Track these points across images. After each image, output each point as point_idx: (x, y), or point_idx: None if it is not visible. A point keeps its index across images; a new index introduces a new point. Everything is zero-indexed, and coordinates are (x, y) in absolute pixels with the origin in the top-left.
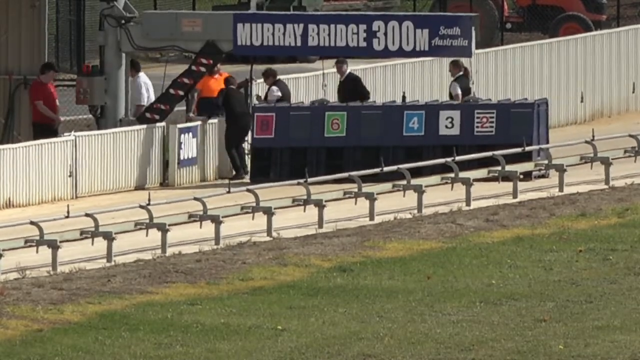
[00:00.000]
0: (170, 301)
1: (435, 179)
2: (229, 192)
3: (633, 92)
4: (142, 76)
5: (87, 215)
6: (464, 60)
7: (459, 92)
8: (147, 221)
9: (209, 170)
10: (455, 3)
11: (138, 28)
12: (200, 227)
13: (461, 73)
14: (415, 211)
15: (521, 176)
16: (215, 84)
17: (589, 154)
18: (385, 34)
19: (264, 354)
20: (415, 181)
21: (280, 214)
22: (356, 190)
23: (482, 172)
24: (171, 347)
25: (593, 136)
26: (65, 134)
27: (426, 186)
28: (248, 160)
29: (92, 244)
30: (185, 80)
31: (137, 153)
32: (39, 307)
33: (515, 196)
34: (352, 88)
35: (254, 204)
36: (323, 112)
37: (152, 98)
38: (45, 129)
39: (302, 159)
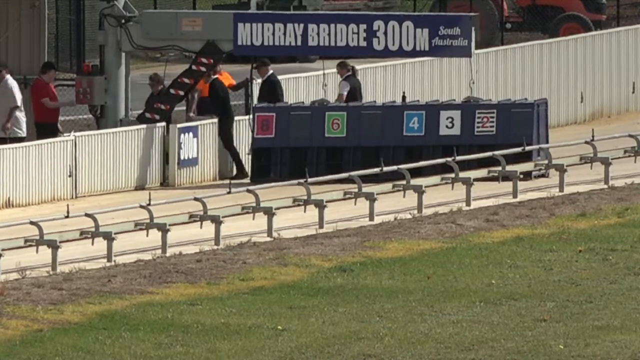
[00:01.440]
0: (170, 301)
1: (435, 179)
2: (229, 192)
3: (633, 92)
4: (10, 78)
5: (87, 215)
6: (465, 60)
7: (345, 92)
8: (148, 221)
9: (209, 171)
10: (455, 3)
11: (138, 27)
12: (201, 227)
13: (349, 73)
14: (415, 211)
15: (521, 176)
16: None
17: (588, 154)
18: (385, 33)
19: (264, 354)
20: (415, 181)
21: (280, 214)
22: (356, 190)
23: (482, 172)
24: (171, 347)
25: (593, 136)
26: (65, 134)
27: (426, 186)
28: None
29: (92, 244)
30: (186, 80)
31: (137, 153)
32: (39, 307)
33: (515, 196)
34: (268, 90)
35: (255, 204)
36: (323, 112)
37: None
38: (49, 129)
39: (302, 159)
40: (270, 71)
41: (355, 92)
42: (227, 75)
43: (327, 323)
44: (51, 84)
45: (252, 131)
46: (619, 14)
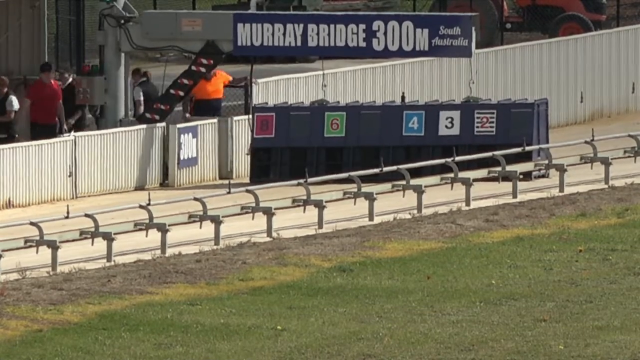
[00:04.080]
0: (170, 301)
1: (435, 179)
2: (229, 192)
3: (633, 92)
4: None
5: (87, 215)
6: (465, 60)
7: (141, 98)
8: (147, 221)
9: (208, 171)
10: (455, 3)
11: (138, 28)
12: (200, 227)
13: (144, 79)
14: (415, 211)
15: (521, 176)
16: (211, 86)
17: (588, 154)
18: (385, 33)
19: (264, 354)
20: (414, 181)
21: (280, 214)
22: (356, 190)
23: (482, 172)
24: (171, 347)
25: (593, 136)
26: (65, 134)
27: (426, 186)
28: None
29: (92, 244)
30: (185, 81)
31: (137, 153)
32: (39, 307)
33: (515, 196)
34: (69, 97)
35: (254, 204)
36: (323, 112)
37: None
38: (46, 129)
39: (302, 159)
40: (71, 78)
41: (150, 98)
42: (222, 73)
43: (326, 323)
44: (53, 84)
45: (252, 131)
46: (619, 14)
